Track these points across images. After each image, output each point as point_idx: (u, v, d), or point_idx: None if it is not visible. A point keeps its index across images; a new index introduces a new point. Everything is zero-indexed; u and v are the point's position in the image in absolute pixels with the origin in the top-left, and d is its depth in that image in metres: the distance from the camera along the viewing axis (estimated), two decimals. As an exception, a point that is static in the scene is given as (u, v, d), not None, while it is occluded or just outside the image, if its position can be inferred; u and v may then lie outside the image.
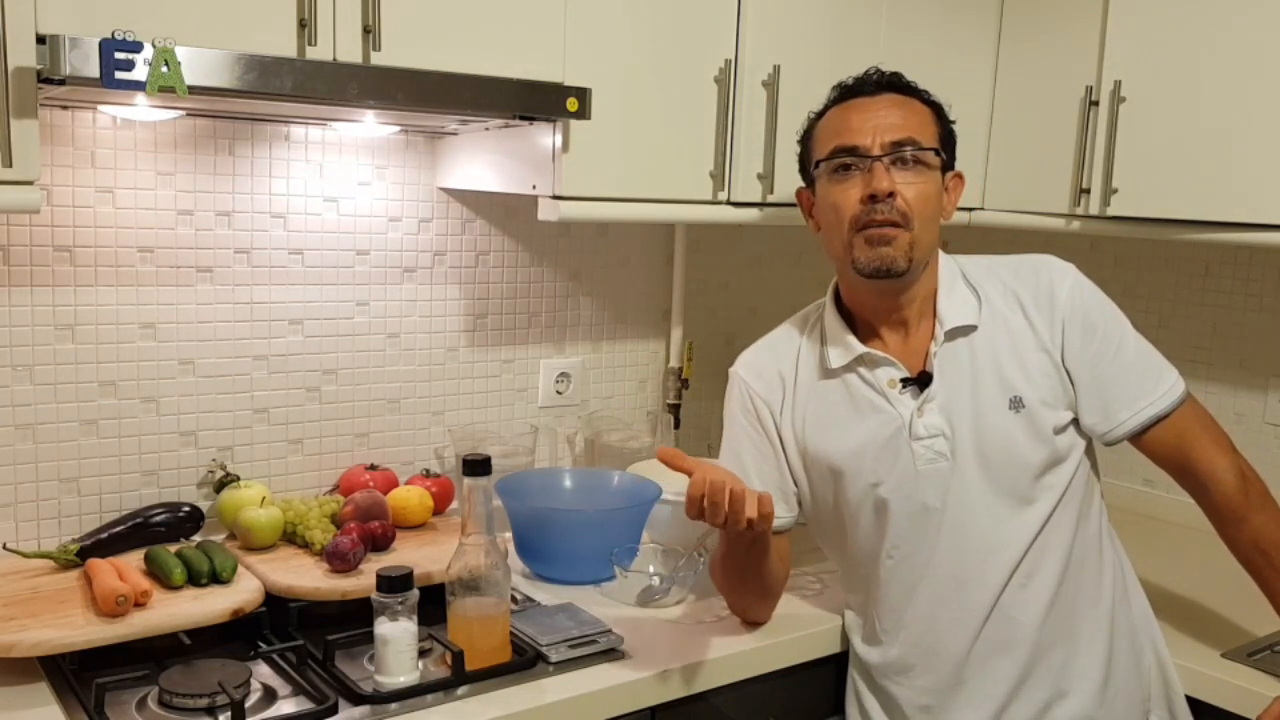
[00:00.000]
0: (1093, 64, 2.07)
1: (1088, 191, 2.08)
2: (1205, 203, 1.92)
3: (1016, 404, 1.55)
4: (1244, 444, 1.62)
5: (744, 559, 1.61)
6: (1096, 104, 2.06)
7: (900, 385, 1.58)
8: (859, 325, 1.63)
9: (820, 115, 1.63)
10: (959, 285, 1.61)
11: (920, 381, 1.58)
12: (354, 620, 1.56)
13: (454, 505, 2.05)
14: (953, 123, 1.63)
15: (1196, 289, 2.37)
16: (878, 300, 1.61)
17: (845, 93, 1.61)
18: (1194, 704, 1.65)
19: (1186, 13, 1.93)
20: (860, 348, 1.60)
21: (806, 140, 1.65)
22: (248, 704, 1.37)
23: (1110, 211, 2.04)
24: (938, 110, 1.61)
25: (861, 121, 1.55)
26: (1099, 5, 2.06)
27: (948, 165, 1.60)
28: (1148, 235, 2.05)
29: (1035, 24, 2.19)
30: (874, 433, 1.59)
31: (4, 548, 1.71)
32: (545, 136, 1.78)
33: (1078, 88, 2.08)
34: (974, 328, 1.57)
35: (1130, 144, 2.01)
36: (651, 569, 1.81)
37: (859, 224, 1.54)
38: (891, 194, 1.51)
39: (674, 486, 1.89)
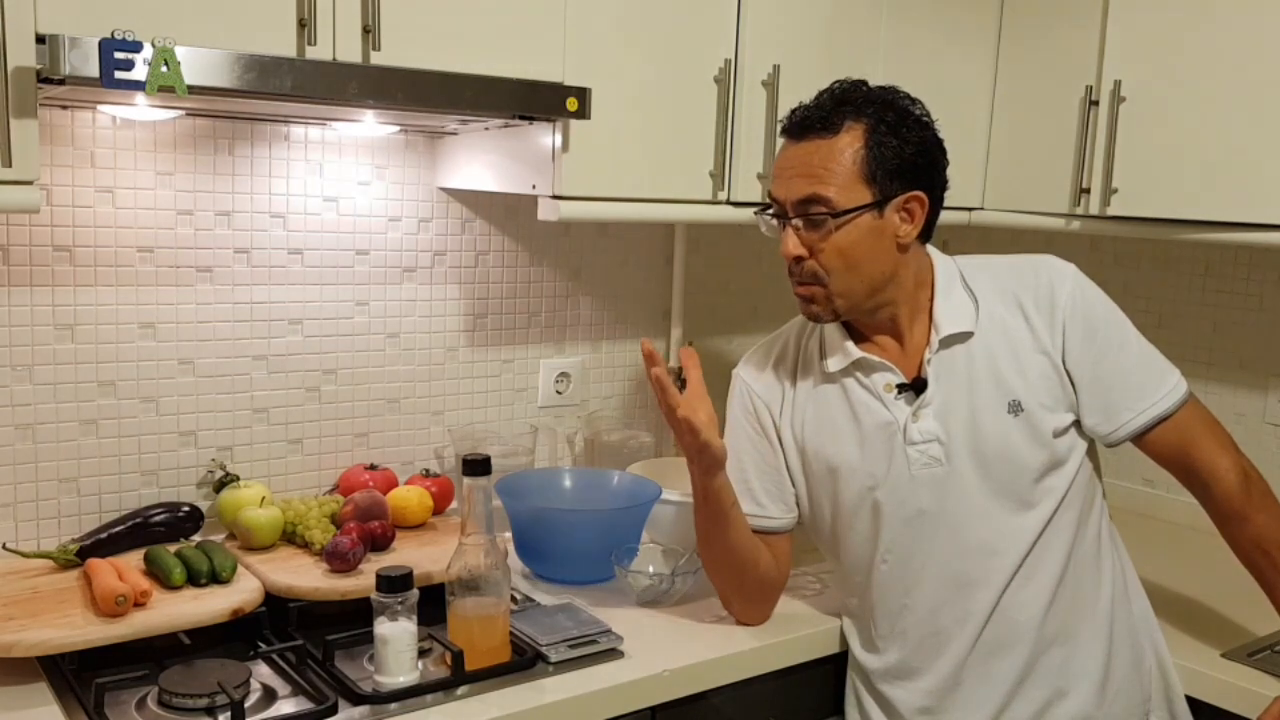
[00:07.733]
0: (1093, 64, 2.07)
1: (1088, 191, 2.08)
2: (1205, 203, 1.92)
3: (1015, 408, 1.54)
4: (1244, 444, 1.62)
5: (705, 510, 1.60)
6: (1096, 104, 2.06)
7: (896, 390, 1.58)
8: (856, 329, 1.63)
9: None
10: (956, 289, 1.60)
11: (916, 387, 1.58)
12: (354, 620, 1.56)
13: (454, 505, 2.05)
14: (927, 127, 1.53)
15: (1196, 289, 2.37)
16: (854, 318, 1.61)
17: (782, 130, 1.59)
18: (1194, 704, 1.65)
19: (1186, 13, 1.93)
20: (857, 353, 1.60)
21: None
22: (247, 704, 1.37)
23: (1110, 211, 2.04)
24: (879, 132, 1.49)
25: (783, 170, 1.54)
26: (1099, 5, 2.06)
27: (894, 192, 1.50)
28: (1148, 235, 2.05)
29: (1035, 24, 2.19)
30: (870, 436, 1.59)
31: (4, 548, 1.71)
32: (545, 136, 1.78)
33: (1078, 88, 2.08)
34: (970, 334, 1.57)
35: (1130, 144, 2.01)
36: (651, 569, 1.81)
37: (789, 274, 1.57)
38: (800, 258, 1.52)
39: (674, 486, 1.89)
